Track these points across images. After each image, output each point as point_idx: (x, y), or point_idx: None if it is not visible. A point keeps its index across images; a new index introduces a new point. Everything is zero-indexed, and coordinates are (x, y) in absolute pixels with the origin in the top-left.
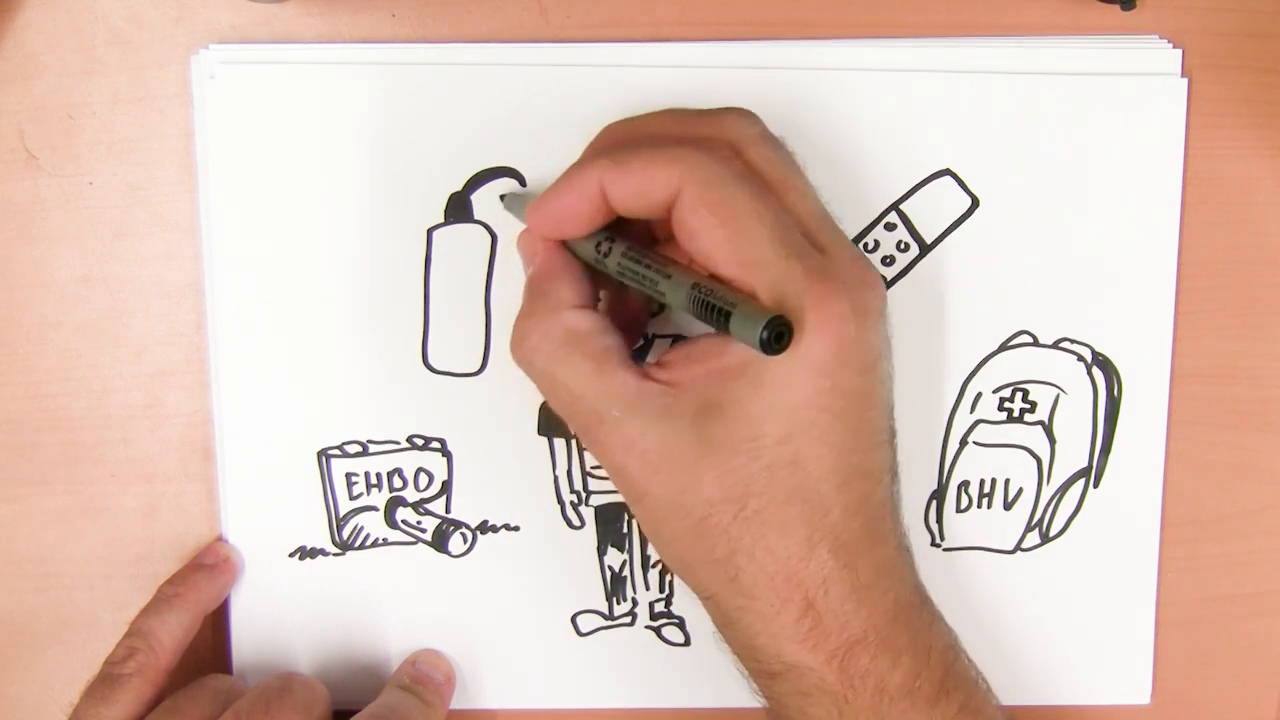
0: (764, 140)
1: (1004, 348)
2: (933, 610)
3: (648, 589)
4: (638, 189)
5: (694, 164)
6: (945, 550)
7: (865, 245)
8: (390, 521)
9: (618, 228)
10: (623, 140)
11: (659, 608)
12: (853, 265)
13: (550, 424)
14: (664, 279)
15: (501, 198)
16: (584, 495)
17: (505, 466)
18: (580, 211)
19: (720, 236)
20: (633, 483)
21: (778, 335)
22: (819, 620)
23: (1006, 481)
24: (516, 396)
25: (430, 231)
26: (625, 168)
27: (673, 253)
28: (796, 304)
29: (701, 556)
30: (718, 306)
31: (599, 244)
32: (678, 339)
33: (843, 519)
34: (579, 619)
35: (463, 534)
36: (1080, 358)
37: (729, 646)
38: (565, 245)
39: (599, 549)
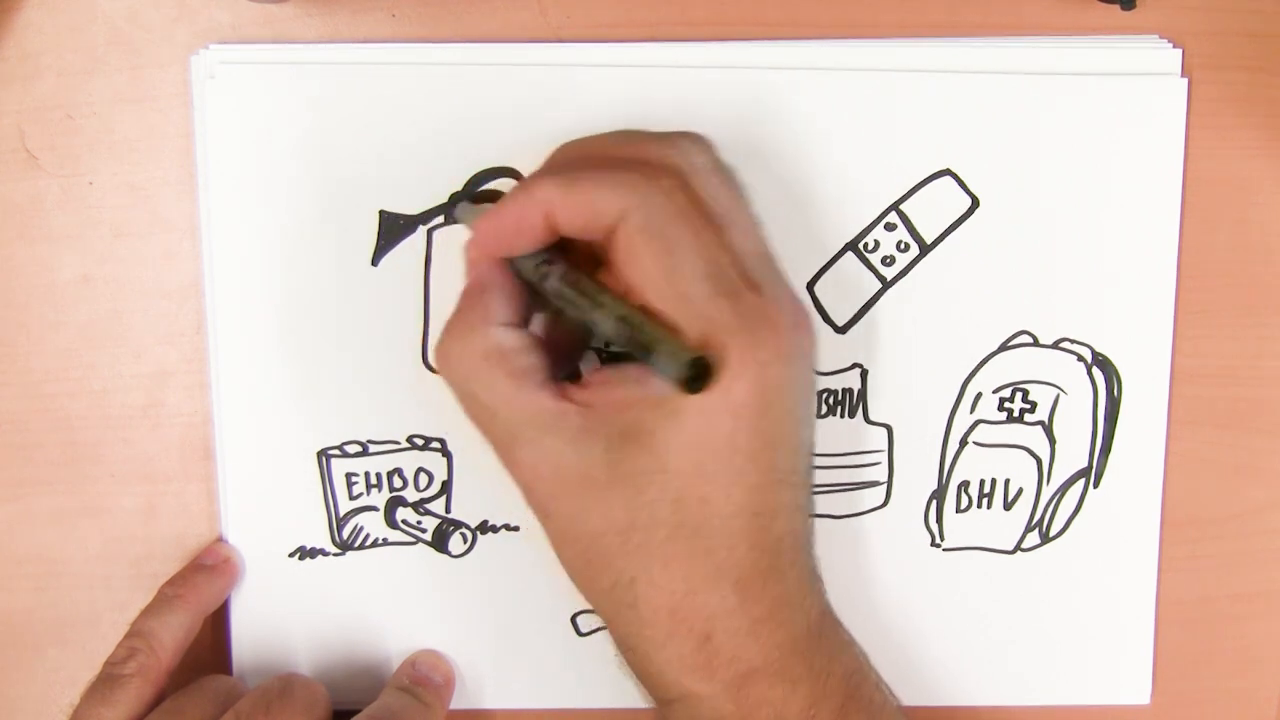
0: (713, 170)
1: (1004, 348)
2: (839, 636)
3: None
4: (583, 213)
5: (640, 193)
6: (945, 550)
7: (865, 245)
8: (390, 521)
9: (561, 248)
10: (574, 161)
11: None
12: (786, 307)
13: None
14: (596, 307)
15: (452, 207)
16: None
17: None
18: (525, 231)
19: (654, 268)
20: (539, 502)
21: (697, 375)
22: (711, 653)
23: (1006, 481)
24: None
25: (430, 231)
26: (572, 190)
27: (612, 278)
28: (722, 344)
29: (594, 582)
30: (642, 340)
31: (539, 265)
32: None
33: (732, 556)
34: (579, 619)
35: (463, 534)
36: (1080, 358)
37: (630, 671)
38: (507, 262)
39: None
